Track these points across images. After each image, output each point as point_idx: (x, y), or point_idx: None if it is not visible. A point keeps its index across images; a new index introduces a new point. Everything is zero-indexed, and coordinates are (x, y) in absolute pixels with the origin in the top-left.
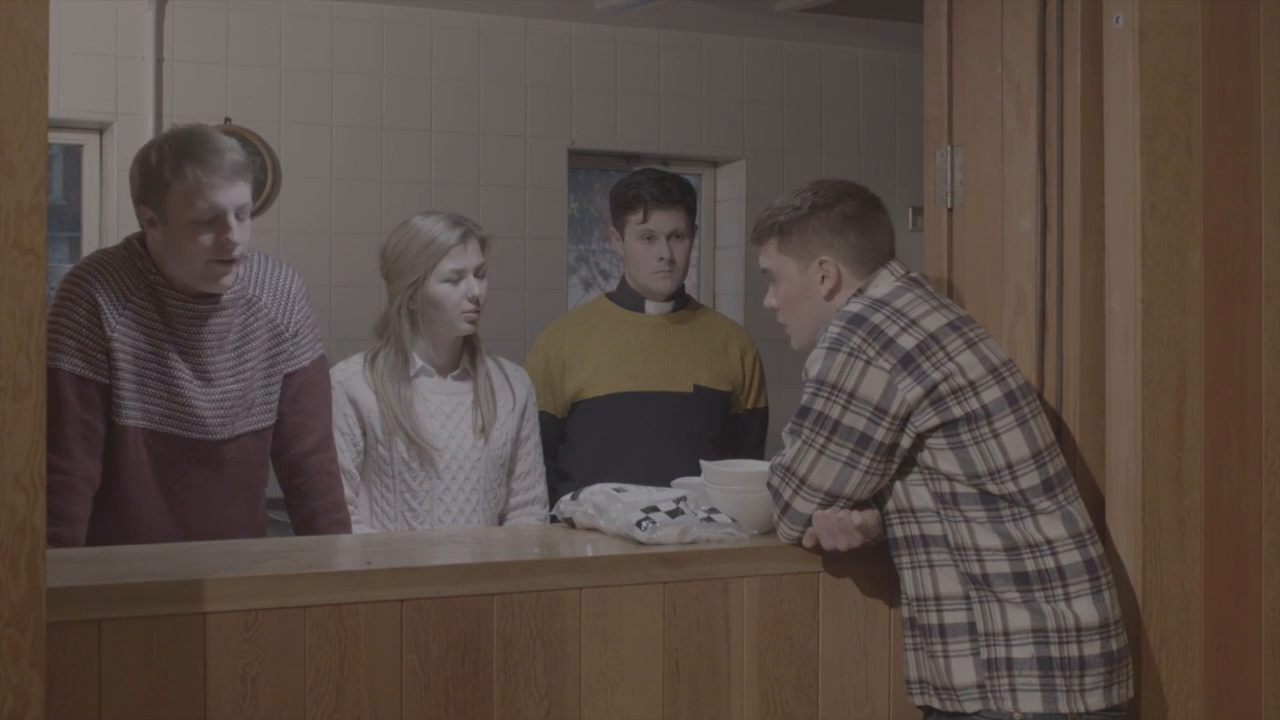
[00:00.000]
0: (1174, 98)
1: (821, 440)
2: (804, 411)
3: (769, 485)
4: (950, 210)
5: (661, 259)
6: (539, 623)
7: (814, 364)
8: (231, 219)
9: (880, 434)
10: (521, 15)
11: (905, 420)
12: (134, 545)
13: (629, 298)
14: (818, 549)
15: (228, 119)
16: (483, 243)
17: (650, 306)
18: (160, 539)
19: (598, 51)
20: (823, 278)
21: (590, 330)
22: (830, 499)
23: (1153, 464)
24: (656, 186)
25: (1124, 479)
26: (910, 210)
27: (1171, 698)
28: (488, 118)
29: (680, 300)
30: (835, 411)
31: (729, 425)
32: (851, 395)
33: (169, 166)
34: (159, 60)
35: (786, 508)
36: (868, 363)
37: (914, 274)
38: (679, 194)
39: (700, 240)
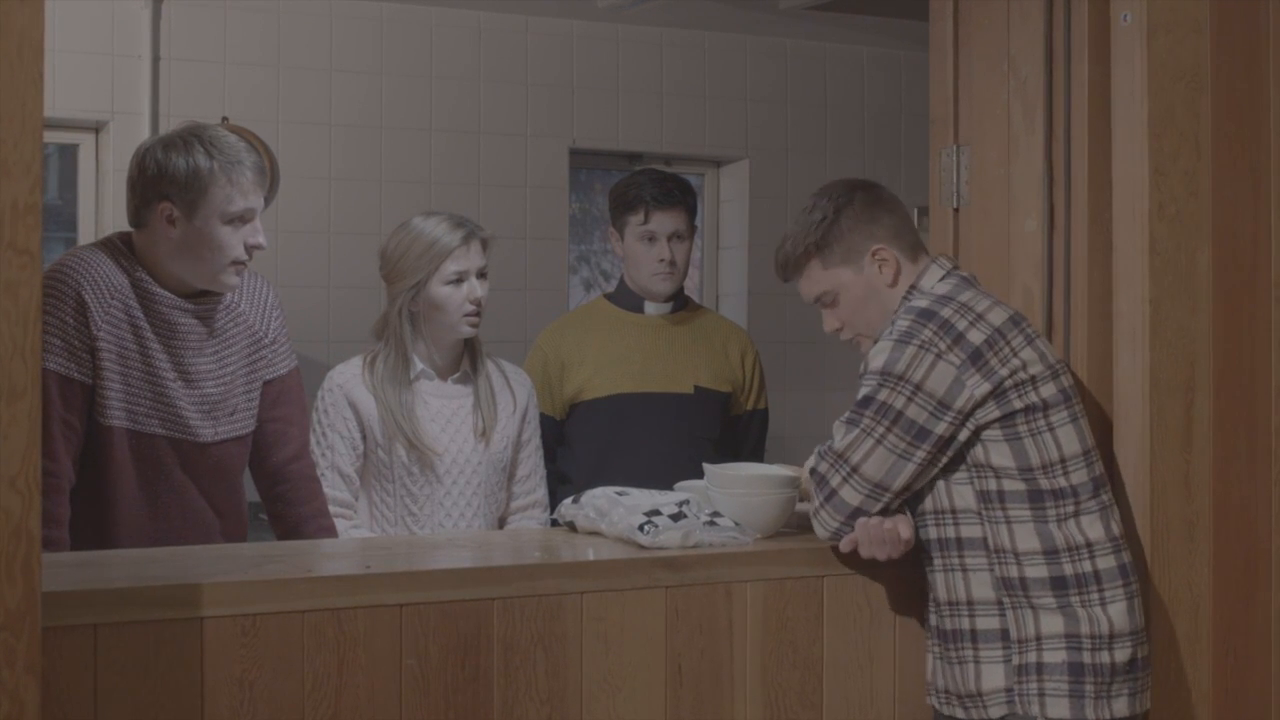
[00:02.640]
0: (1182, 96)
1: (881, 430)
2: (866, 401)
3: (814, 471)
4: (956, 210)
5: (662, 260)
6: (540, 627)
7: (878, 355)
8: (259, 221)
9: (941, 429)
10: (522, 13)
11: (969, 415)
12: (130, 549)
13: (628, 298)
14: (834, 553)
15: (225, 118)
16: (484, 244)
17: (650, 307)
18: (141, 541)
19: (599, 50)
20: (880, 266)
21: (589, 331)
22: (879, 491)
23: (1161, 467)
24: (657, 187)
25: (1132, 482)
26: (915, 210)
27: (1180, 704)
28: (488, 117)
29: (679, 301)
30: (899, 403)
31: (729, 426)
32: (918, 388)
33: (219, 164)
34: (156, 59)
35: (832, 495)
36: (938, 356)
37: (963, 271)
38: (679, 195)
39: (703, 241)
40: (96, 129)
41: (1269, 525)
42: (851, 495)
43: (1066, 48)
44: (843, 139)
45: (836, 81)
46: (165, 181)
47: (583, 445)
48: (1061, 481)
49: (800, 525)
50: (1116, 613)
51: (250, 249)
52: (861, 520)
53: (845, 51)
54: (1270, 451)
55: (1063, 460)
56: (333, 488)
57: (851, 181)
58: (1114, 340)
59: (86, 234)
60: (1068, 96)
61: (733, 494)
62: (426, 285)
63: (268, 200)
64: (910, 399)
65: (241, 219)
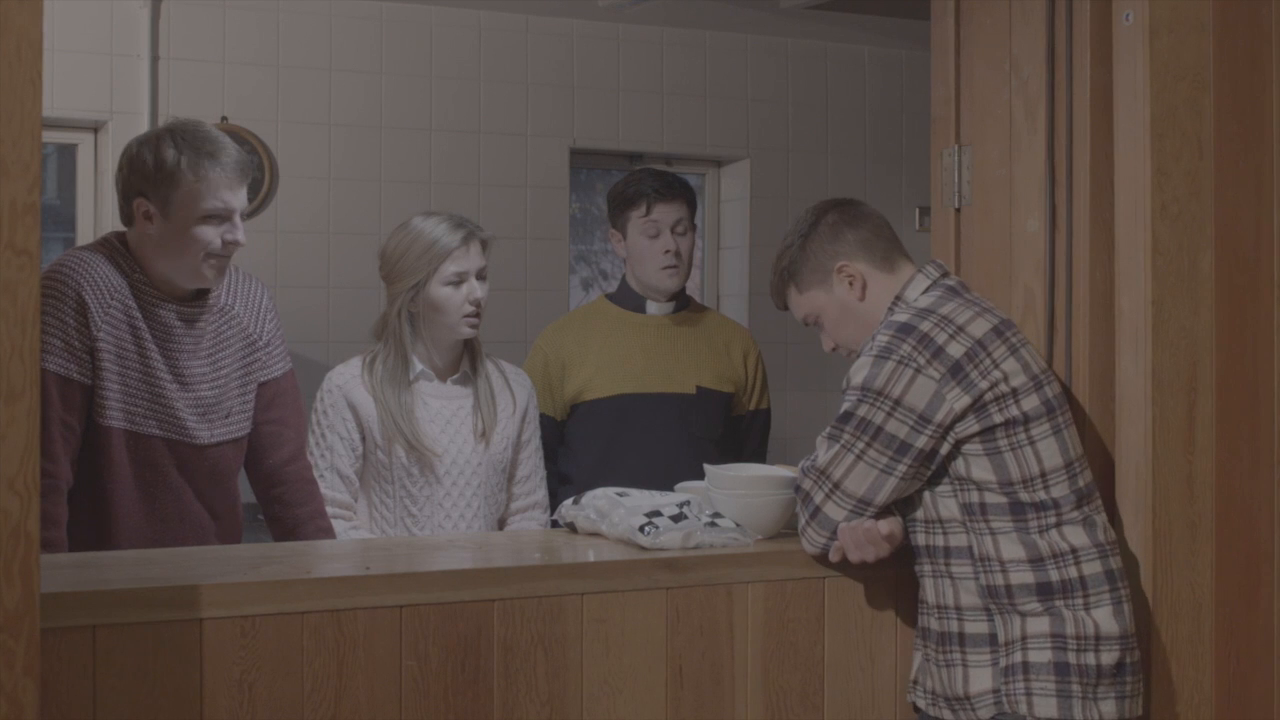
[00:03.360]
0: (1185, 96)
1: (861, 446)
2: (845, 417)
3: (798, 489)
4: (957, 211)
5: (668, 252)
6: (540, 629)
7: (859, 371)
8: (238, 218)
9: (921, 442)
10: (523, 12)
11: (949, 429)
12: (129, 550)
13: (630, 298)
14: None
15: (224, 118)
16: (484, 244)
17: (651, 307)
18: (138, 543)
19: (600, 49)
20: (849, 282)
21: (591, 331)
22: (862, 506)
23: (1163, 467)
24: (657, 180)
25: (1134, 483)
26: (917, 210)
27: (1182, 706)
28: (488, 116)
29: (682, 301)
30: (879, 418)
31: (731, 427)
32: (897, 403)
33: (186, 159)
34: (154, 58)
35: (816, 512)
36: (917, 371)
37: (951, 280)
38: (680, 188)
39: (704, 241)
40: (95, 129)
41: (1272, 526)
42: (835, 511)
43: (1068, 47)
44: (844, 139)
45: (838, 81)
46: (138, 177)
47: (584, 446)
48: (1042, 495)
49: None
50: (1102, 616)
51: (227, 245)
52: (842, 526)
53: (846, 51)
54: (1273, 452)
55: (1043, 474)
56: (332, 489)
57: (824, 204)
58: (1116, 341)
59: (85, 234)
60: (1069, 96)
61: (733, 495)
62: (426, 286)
63: (266, 200)
64: (890, 414)
65: (216, 216)
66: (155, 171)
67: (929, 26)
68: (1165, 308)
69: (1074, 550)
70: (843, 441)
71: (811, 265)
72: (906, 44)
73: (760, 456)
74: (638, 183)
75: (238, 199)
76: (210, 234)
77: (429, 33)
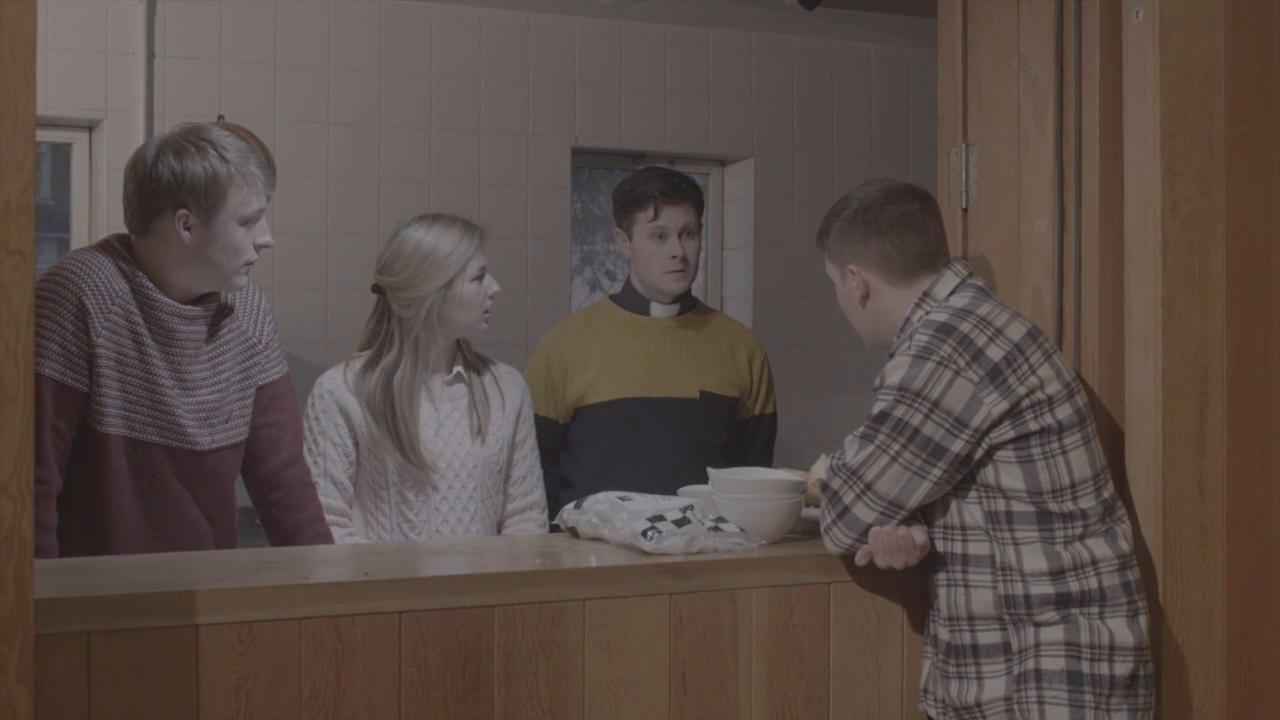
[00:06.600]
0: (1195, 94)
1: (897, 447)
2: (881, 417)
3: (826, 487)
4: (965, 210)
5: (674, 257)
6: (541, 635)
7: (896, 371)
8: (264, 220)
9: (958, 446)
10: (524, 9)
11: (985, 434)
12: (124, 555)
13: (634, 300)
14: (842, 559)
15: (221, 116)
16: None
17: (656, 309)
18: (135, 549)
19: (602, 47)
20: (855, 284)
21: (594, 334)
22: (893, 509)
23: (1174, 471)
24: (665, 182)
25: (1144, 487)
26: None
27: (1193, 713)
28: (489, 115)
29: (687, 303)
30: (916, 419)
31: (736, 431)
32: (935, 404)
33: (234, 168)
34: (150, 56)
35: (845, 512)
36: (957, 373)
37: (978, 280)
38: (688, 190)
39: (708, 242)
40: (90, 128)
41: None
42: (865, 513)
43: (1077, 45)
44: (849, 138)
45: (843, 79)
46: (184, 190)
47: (586, 450)
48: (1070, 506)
49: (806, 531)
50: (1117, 626)
51: (259, 248)
52: (875, 530)
53: (852, 49)
54: None
55: (1073, 485)
56: (326, 495)
57: (891, 194)
58: (1126, 342)
59: (80, 234)
60: (1078, 95)
61: (737, 499)
62: (454, 284)
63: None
64: (927, 416)
65: (254, 220)
66: (209, 182)
67: (936, 24)
68: (1175, 309)
69: (1095, 561)
70: (877, 442)
71: (836, 247)
72: (913, 41)
73: (766, 462)
74: (645, 183)
75: (266, 201)
76: (246, 239)
77: (428, 30)
